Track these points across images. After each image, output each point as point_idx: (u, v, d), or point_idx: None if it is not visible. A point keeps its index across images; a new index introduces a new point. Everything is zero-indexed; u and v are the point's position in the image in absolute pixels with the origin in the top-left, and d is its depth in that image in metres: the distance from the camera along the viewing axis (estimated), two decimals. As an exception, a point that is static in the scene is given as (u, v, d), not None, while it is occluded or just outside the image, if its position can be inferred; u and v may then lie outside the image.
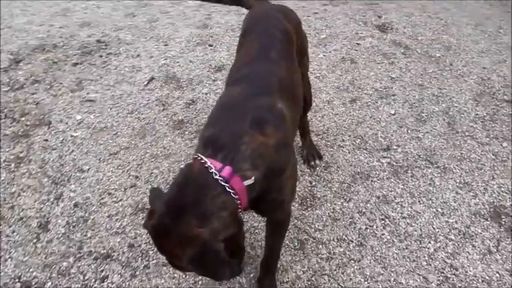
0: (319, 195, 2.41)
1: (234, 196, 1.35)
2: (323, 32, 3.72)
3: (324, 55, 3.45)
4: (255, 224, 2.23)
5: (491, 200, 2.39)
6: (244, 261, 2.08)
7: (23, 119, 2.87)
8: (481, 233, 2.24)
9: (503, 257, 2.13)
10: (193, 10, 4.09)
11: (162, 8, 4.16)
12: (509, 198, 2.40)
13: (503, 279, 2.03)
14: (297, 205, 2.35)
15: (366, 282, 2.02)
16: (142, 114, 2.90)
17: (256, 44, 1.85)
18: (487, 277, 2.04)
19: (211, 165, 1.34)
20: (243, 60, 1.83)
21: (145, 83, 3.18)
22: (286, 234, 1.96)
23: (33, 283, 1.99)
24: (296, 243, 2.18)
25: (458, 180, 2.50)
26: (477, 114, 2.92)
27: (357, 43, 3.57)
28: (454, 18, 3.86)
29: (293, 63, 1.87)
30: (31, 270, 2.04)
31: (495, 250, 2.16)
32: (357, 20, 3.87)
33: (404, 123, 2.85)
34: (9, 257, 2.09)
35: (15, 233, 2.20)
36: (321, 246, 2.17)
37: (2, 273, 2.02)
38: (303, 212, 2.32)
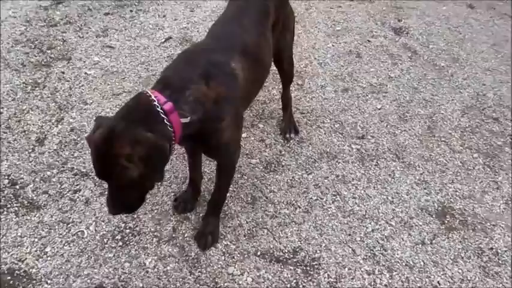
0: (283, 163, 2.64)
1: (169, 128, 1.61)
2: (339, 24, 3.89)
3: (332, 45, 3.63)
4: (205, 170, 2.49)
5: (442, 200, 2.54)
6: (198, 201, 2.35)
7: (48, 51, 3.23)
8: (421, 225, 2.40)
9: (434, 250, 2.29)
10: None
11: (200, -22, 4.44)
12: (461, 203, 2.54)
13: (426, 267, 2.20)
14: (261, 167, 2.59)
15: (298, 242, 2.24)
16: (151, 66, 3.20)
17: (234, 9, 2.11)
18: (411, 262, 2.22)
19: (155, 99, 1.60)
20: (220, 21, 2.09)
21: (163, 40, 3.48)
22: (242, 189, 2.25)
23: (19, 182, 2.35)
24: (249, 198, 2.42)
25: (417, 178, 2.66)
26: (459, 124, 3.03)
27: (368, 40, 3.73)
28: (473, 35, 3.93)
29: (264, 33, 2.09)
30: (20, 172, 2.40)
31: (429, 242, 2.33)
32: (376, 20, 4.00)
33: (386, 119, 3.02)
34: (6, 159, 2.46)
35: (16, 142, 2.56)
36: (270, 205, 2.40)
37: (-4, 169, 2.39)
38: (265, 174, 2.56)
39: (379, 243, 2.29)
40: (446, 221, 2.44)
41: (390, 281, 2.14)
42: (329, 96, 3.14)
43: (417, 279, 2.16)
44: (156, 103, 1.60)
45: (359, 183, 2.58)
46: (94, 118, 1.70)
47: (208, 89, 1.71)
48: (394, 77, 3.38)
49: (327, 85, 3.23)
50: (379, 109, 3.09)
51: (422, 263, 2.22)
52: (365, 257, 2.22)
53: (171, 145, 1.65)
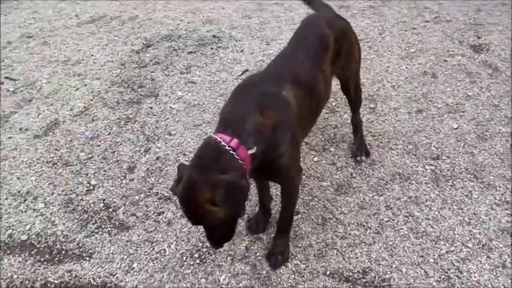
0: (355, 186, 2.67)
1: (240, 162, 1.76)
2: (414, 46, 3.87)
3: (406, 67, 3.61)
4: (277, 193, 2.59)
5: (527, 221, 2.40)
6: (269, 222, 2.46)
7: (139, 89, 3.61)
8: (501, 248, 2.29)
9: (517, 273, 2.17)
10: (302, 16, 4.53)
11: (275, 13, 4.67)
12: (548, 223, 2.38)
13: (507, 291, 2.10)
14: (332, 189, 2.65)
15: (368, 263, 2.25)
16: (229, 98, 3.44)
17: (291, 45, 2.28)
18: (490, 286, 2.12)
19: (221, 139, 1.78)
20: (277, 56, 2.26)
21: (240, 73, 3.72)
22: (313, 211, 2.40)
23: (112, 206, 2.64)
24: (320, 220, 2.49)
25: (498, 198, 2.54)
26: (547, 141, 2.85)
27: (444, 60, 3.66)
28: None
29: (319, 65, 2.21)
30: (113, 197, 2.70)
31: (510, 266, 2.21)
32: (453, 39, 3.92)
33: (464, 138, 2.93)
34: (101, 185, 2.78)
35: (110, 170, 2.89)
36: (340, 226, 2.45)
37: (93, 195, 2.71)
38: (336, 196, 2.62)
39: (454, 265, 2.22)
40: (530, 244, 2.30)
41: (466, 304, 2.06)
42: (402, 118, 3.12)
43: (496, 303, 2.06)
44: (222, 143, 1.76)
45: (433, 204, 2.53)
46: (177, 165, 1.89)
47: (264, 118, 1.85)
48: (472, 95, 3.28)
49: (400, 107, 3.22)
50: (456, 129, 3.01)
51: (502, 287, 2.12)
52: (438, 279, 2.16)
53: (245, 176, 1.79)
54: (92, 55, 4.12)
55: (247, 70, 3.75)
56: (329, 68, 2.29)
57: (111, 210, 2.62)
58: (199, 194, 1.67)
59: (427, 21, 4.24)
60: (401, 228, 2.42)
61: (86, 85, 3.70)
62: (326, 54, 2.27)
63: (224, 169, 1.71)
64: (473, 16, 4.26)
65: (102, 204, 2.65)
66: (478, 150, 2.85)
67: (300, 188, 2.28)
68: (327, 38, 2.29)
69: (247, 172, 1.83)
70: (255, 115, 1.85)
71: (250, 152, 1.81)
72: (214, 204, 1.68)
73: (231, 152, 1.75)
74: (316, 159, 2.86)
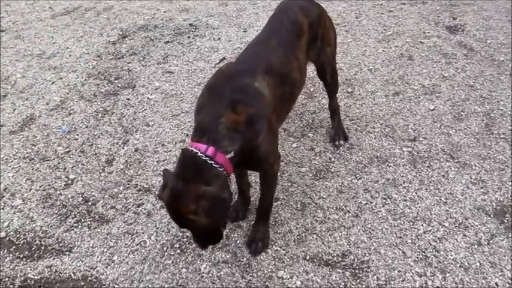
0: (333, 170, 2.69)
1: (220, 169, 1.80)
2: (390, 29, 3.88)
3: (383, 50, 3.63)
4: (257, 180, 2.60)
5: (501, 199, 2.45)
6: (249, 209, 2.47)
7: (116, 81, 3.57)
8: (477, 226, 2.33)
9: (491, 250, 2.22)
10: (279, 2, 4.50)
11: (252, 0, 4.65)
12: (523, 200, 2.43)
13: (483, 268, 2.14)
14: (310, 175, 2.67)
15: (347, 246, 2.28)
16: (207, 87, 3.42)
17: (265, 32, 2.27)
18: (466, 263, 2.17)
19: (198, 149, 1.79)
20: (250, 44, 2.25)
21: (217, 61, 3.70)
22: (292, 196, 2.45)
23: (91, 199, 2.62)
24: (299, 205, 2.50)
25: (474, 177, 2.58)
26: (521, 119, 2.90)
27: (420, 41, 3.68)
28: (538, 24, 3.73)
29: (293, 51, 2.20)
30: (92, 190, 2.68)
31: (485, 243, 2.26)
32: (429, 20, 3.94)
33: (440, 119, 2.96)
34: (80, 179, 2.76)
35: (88, 163, 2.86)
36: (319, 211, 2.47)
37: (71, 190, 2.68)
38: (315, 181, 2.63)
39: (431, 244, 2.26)
40: (505, 220, 2.35)
41: (443, 282, 2.10)
42: (379, 101, 3.14)
43: (472, 280, 2.10)
44: (199, 154, 1.78)
45: (410, 185, 2.57)
46: (161, 171, 1.99)
47: (237, 115, 1.85)
48: (448, 76, 3.31)
49: (377, 90, 3.24)
50: (432, 110, 3.04)
51: (478, 264, 2.16)
52: (416, 259, 2.20)
53: (229, 178, 1.86)
54: (67, 47, 4.05)
55: (224, 58, 3.72)
56: (304, 54, 2.29)
57: (90, 203, 2.60)
58: (183, 206, 1.74)
59: (404, 4, 4.24)
60: (380, 211, 2.45)
61: (61, 78, 3.65)
62: (300, 41, 2.26)
63: (206, 180, 1.76)
64: (448, -3, 4.29)
65: (81, 198, 2.63)
66: (454, 130, 2.88)
67: (279, 174, 2.29)
68: (301, 24, 2.29)
69: (230, 173, 1.87)
70: (228, 114, 1.84)
71: (229, 156, 1.84)
72: (197, 215, 1.74)
73: (209, 161, 1.78)
74: (294, 145, 2.86)
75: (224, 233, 2.21)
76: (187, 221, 1.78)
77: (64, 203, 2.62)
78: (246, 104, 1.87)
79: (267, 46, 2.16)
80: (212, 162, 1.78)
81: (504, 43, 3.56)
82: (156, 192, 2.28)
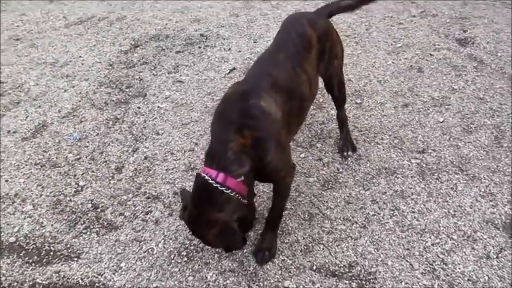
0: (341, 181, 2.69)
1: (231, 194, 1.88)
2: (400, 41, 3.89)
3: (392, 62, 3.64)
4: (264, 190, 2.61)
5: (511, 212, 2.43)
6: (256, 218, 2.48)
7: (127, 90, 3.62)
8: (486, 239, 2.32)
9: (500, 264, 2.20)
10: (289, 14, 4.54)
11: (263, 10, 4.68)
12: (532, 214, 2.41)
13: (491, 282, 2.12)
14: (318, 185, 2.67)
15: (354, 257, 2.28)
16: (217, 96, 3.45)
17: (272, 46, 2.30)
18: (474, 277, 2.15)
19: (208, 177, 1.89)
20: (258, 59, 2.30)
21: (227, 72, 3.73)
22: (300, 206, 2.48)
23: (100, 206, 2.65)
24: (306, 215, 2.51)
25: (483, 190, 2.57)
26: (531, 132, 2.88)
27: (430, 54, 3.68)
28: (549, 38, 3.73)
29: (301, 65, 2.21)
30: (101, 197, 2.70)
31: (494, 256, 2.24)
32: (439, 33, 3.94)
33: (449, 132, 2.95)
34: (90, 186, 2.79)
35: (98, 171, 2.89)
36: (326, 221, 2.47)
37: (81, 196, 2.72)
38: (322, 192, 2.63)
39: (439, 257, 2.25)
40: (515, 234, 2.33)
41: (451, 295, 2.09)
42: (388, 113, 3.15)
43: (480, 293, 2.08)
44: (210, 181, 1.87)
45: (418, 197, 2.56)
46: (179, 191, 2.13)
47: (245, 139, 1.90)
48: (457, 88, 3.31)
49: (386, 102, 3.24)
50: (441, 122, 3.04)
51: (486, 278, 2.14)
52: (424, 272, 2.19)
53: (240, 202, 1.95)
54: (80, 56, 4.12)
55: (234, 68, 3.76)
56: (314, 67, 2.30)
57: (99, 210, 2.63)
58: (198, 230, 1.97)
59: (414, 16, 4.26)
60: (387, 222, 2.44)
61: (74, 86, 3.70)
62: (309, 54, 2.28)
63: (218, 206, 1.89)
64: (459, 10, 4.29)
65: (90, 205, 2.66)
66: (463, 143, 2.87)
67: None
68: (310, 38, 2.30)
69: (245, 193, 1.97)
70: (236, 139, 1.90)
71: (239, 179, 1.92)
72: (214, 237, 1.93)
73: (220, 188, 1.87)
74: (303, 155, 2.87)
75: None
76: (205, 242, 2.04)
77: (73, 209, 2.65)
78: (252, 128, 1.92)
79: (274, 61, 2.18)
80: (223, 188, 1.87)
81: (515, 56, 3.56)
82: (178, 214, 2.39)
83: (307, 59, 2.26)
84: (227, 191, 1.88)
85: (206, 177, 1.90)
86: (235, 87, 2.09)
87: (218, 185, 1.88)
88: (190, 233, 2.04)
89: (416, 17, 4.24)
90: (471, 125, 2.99)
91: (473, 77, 3.40)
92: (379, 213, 2.49)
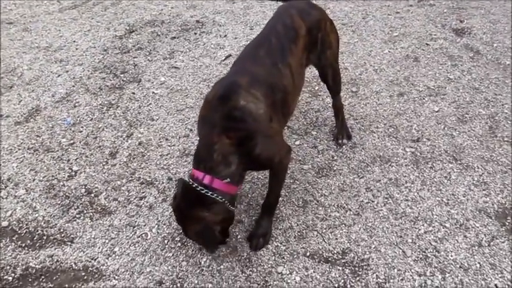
0: (335, 168, 2.69)
1: (217, 197, 1.97)
2: (397, 30, 3.87)
3: (389, 51, 3.63)
4: (259, 177, 2.61)
5: (503, 201, 2.45)
6: (251, 204, 2.48)
7: (121, 75, 3.59)
8: (478, 227, 2.33)
9: (492, 252, 2.21)
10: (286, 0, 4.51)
11: (260, -3, 4.65)
12: (524, 203, 2.42)
13: (482, 269, 2.14)
14: (313, 172, 2.67)
15: (347, 244, 2.29)
16: (212, 83, 3.42)
17: (255, 40, 2.30)
18: (466, 264, 2.17)
19: (194, 181, 1.98)
20: (240, 54, 2.32)
21: (223, 58, 3.71)
22: (294, 193, 2.49)
23: (94, 191, 2.64)
24: (300, 202, 2.51)
25: (476, 179, 2.58)
26: (525, 122, 2.89)
27: (426, 43, 3.67)
28: (545, 28, 3.72)
29: (284, 58, 2.19)
30: (95, 182, 2.69)
31: (486, 244, 2.25)
32: (436, 22, 3.93)
33: (444, 121, 2.96)
34: (83, 171, 2.77)
35: (92, 156, 2.88)
36: (320, 208, 2.47)
37: (74, 181, 2.70)
38: (317, 179, 2.64)
39: (431, 245, 2.26)
40: (507, 223, 2.34)
41: (443, 282, 2.10)
42: (384, 102, 3.14)
43: (472, 281, 2.10)
44: (195, 184, 1.97)
45: (412, 185, 2.57)
46: (177, 180, 2.18)
47: (230, 139, 1.95)
48: (453, 78, 3.30)
49: (382, 91, 3.24)
50: (437, 111, 3.04)
51: (478, 265, 2.16)
52: (416, 259, 2.20)
53: (235, 196, 2.09)
54: (74, 41, 4.08)
55: (230, 55, 3.73)
56: (300, 59, 2.29)
57: (92, 195, 2.62)
58: (183, 222, 2.06)
59: (411, 5, 4.24)
60: (381, 210, 2.45)
61: (67, 71, 3.67)
62: (295, 45, 2.25)
63: (204, 206, 1.97)
64: (456, 0, 4.27)
65: (83, 190, 2.65)
66: (457, 132, 2.88)
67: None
68: (298, 29, 2.28)
69: (234, 192, 2.05)
70: (221, 141, 1.96)
71: (226, 181, 1.99)
72: (191, 233, 2.07)
73: (205, 190, 1.96)
74: (297, 142, 2.87)
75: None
76: (185, 234, 2.13)
77: (67, 194, 2.63)
78: (235, 129, 1.96)
79: (254, 57, 2.19)
80: (210, 190, 1.95)
81: (510, 47, 3.55)
82: (170, 200, 2.45)
83: (291, 51, 2.23)
84: (213, 193, 1.96)
85: (194, 177, 1.99)
86: (214, 92, 2.08)
87: (202, 188, 1.96)
88: (176, 219, 2.12)
89: (413, 6, 4.22)
90: (466, 115, 2.99)
91: (469, 67, 3.40)
92: (373, 201, 2.49)
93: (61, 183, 2.71)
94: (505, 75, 3.29)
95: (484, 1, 4.21)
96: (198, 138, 2.12)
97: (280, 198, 2.49)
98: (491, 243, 2.26)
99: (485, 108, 3.04)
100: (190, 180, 2.01)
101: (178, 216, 2.06)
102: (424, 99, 3.14)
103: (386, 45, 3.70)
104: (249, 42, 2.24)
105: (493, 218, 2.37)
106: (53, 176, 2.75)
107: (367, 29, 3.93)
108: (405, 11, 4.15)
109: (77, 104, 3.30)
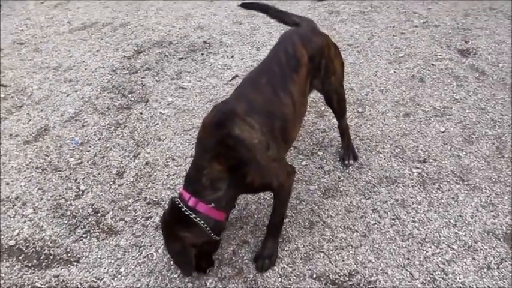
0: (342, 189, 2.69)
1: (200, 221, 1.99)
2: (402, 51, 3.90)
3: (394, 71, 3.65)
4: (265, 197, 2.61)
5: (512, 223, 2.43)
6: (257, 225, 2.48)
7: (129, 95, 3.63)
8: (486, 250, 2.31)
9: (501, 275, 2.19)
10: (292, 22, 4.57)
11: (266, 19, 4.64)
12: (533, 225, 2.40)
13: (492, 292, 2.11)
14: (319, 193, 2.67)
15: (354, 265, 2.27)
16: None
17: (259, 67, 2.32)
18: (474, 287, 2.14)
19: (180, 201, 2.01)
20: (243, 80, 2.33)
21: (230, 79, 3.74)
22: (300, 214, 2.52)
23: (101, 211, 2.65)
24: (307, 223, 2.50)
25: (484, 200, 2.56)
26: (533, 143, 2.89)
27: (432, 64, 3.69)
28: (551, 49, 3.74)
29: (285, 87, 2.19)
30: (102, 202, 2.71)
31: (495, 267, 2.23)
32: (441, 43, 3.96)
33: (450, 141, 2.95)
34: (90, 191, 2.79)
35: (99, 175, 2.90)
36: (327, 229, 2.46)
37: (82, 200, 2.72)
38: (323, 200, 2.63)
39: (439, 267, 2.24)
40: (516, 245, 2.32)
41: (451, 305, 2.08)
42: (390, 122, 3.15)
43: (481, 304, 2.07)
44: (181, 204, 2.00)
45: (419, 207, 2.55)
46: (170, 198, 2.16)
47: (221, 166, 1.97)
48: (459, 99, 3.31)
49: (388, 111, 3.25)
50: (443, 132, 3.04)
51: (487, 288, 2.14)
52: (424, 281, 2.18)
53: (222, 222, 2.11)
54: (83, 61, 4.14)
55: (237, 75, 3.77)
56: (302, 86, 2.29)
57: (99, 215, 2.63)
58: (166, 238, 2.09)
59: (416, 26, 4.28)
60: (388, 231, 2.43)
61: (76, 91, 3.72)
62: (297, 74, 2.25)
63: (188, 228, 2.01)
64: (461, 21, 4.31)
65: (90, 209, 2.66)
66: (464, 153, 2.87)
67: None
68: (300, 58, 2.28)
69: (220, 218, 2.07)
70: (211, 166, 1.98)
71: (211, 205, 2.01)
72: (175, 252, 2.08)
73: (189, 212, 1.99)
74: (304, 163, 2.87)
75: (228, 235, 2.24)
76: (167, 251, 2.13)
77: (74, 213, 2.65)
78: (227, 156, 1.97)
79: (255, 84, 2.20)
80: (192, 212, 1.99)
81: (516, 67, 3.57)
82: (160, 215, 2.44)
83: (293, 80, 2.24)
84: (197, 216, 1.98)
85: (180, 200, 2.02)
86: (212, 115, 2.09)
87: (187, 209, 1.99)
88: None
89: (418, 27, 4.26)
90: (472, 135, 2.99)
91: (475, 87, 3.41)
92: (379, 222, 2.48)
93: (68, 202, 2.72)
94: (511, 95, 3.30)
95: (489, 22, 4.24)
96: (193, 158, 2.14)
97: (286, 219, 2.49)
98: (500, 265, 2.23)
99: (492, 128, 3.03)
100: (178, 199, 2.04)
101: (163, 232, 2.10)
102: (430, 119, 3.15)
103: (392, 66, 3.72)
104: (255, 63, 2.28)
105: (501, 240, 2.35)
106: (60, 195, 2.77)
107: (372, 50, 3.97)
108: (410, 32, 4.18)
109: (85, 124, 3.34)
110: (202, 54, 4.14)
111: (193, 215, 1.99)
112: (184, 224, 2.00)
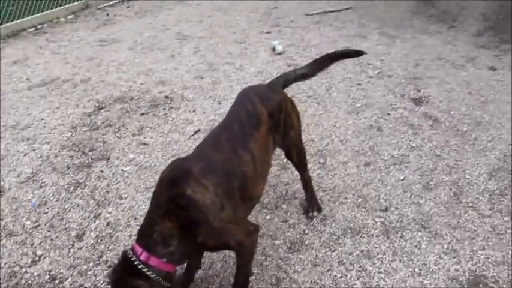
0: (307, 242, 2.68)
1: (150, 274, 1.93)
2: (359, 101, 4.05)
3: (353, 121, 3.76)
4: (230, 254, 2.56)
5: (474, 269, 2.47)
6: (223, 285, 2.42)
7: (90, 153, 3.57)
8: (452, 297, 2.33)
9: (467, 322, 2.20)
10: (252, 75, 4.68)
11: (227, 72, 4.80)
12: (494, 269, 2.45)
13: None
14: (285, 247, 2.65)
15: (323, 322, 2.23)
16: (181, 158, 3.44)
17: (218, 126, 2.34)
18: (443, 337, 2.14)
19: (133, 254, 1.95)
20: (205, 138, 2.36)
21: (192, 133, 3.76)
22: (267, 270, 2.47)
23: (58, 277, 2.53)
24: (273, 280, 2.47)
25: (445, 246, 2.61)
26: (487, 187, 3.00)
27: (388, 113, 3.84)
28: (495, 96, 3.96)
29: (245, 144, 2.21)
30: (60, 267, 2.59)
31: (461, 315, 2.24)
32: (395, 93, 4.14)
33: (410, 189, 3.03)
34: (48, 256, 2.67)
35: (57, 239, 2.79)
36: (294, 285, 2.43)
37: (38, 267, 2.59)
38: (289, 254, 2.61)
39: (407, 318, 2.24)
40: (479, 291, 2.35)
41: None
42: (351, 172, 3.21)
43: None
44: (133, 258, 1.94)
45: (384, 257, 2.57)
46: (122, 251, 2.03)
47: (172, 223, 1.95)
48: (415, 146, 3.43)
49: (349, 161, 3.32)
50: (402, 180, 3.12)
51: (454, 338, 2.14)
52: (393, 335, 2.16)
53: (172, 274, 2.02)
54: (42, 119, 4.07)
55: (199, 130, 3.79)
56: (263, 144, 2.31)
57: (57, 282, 2.50)
58: None
59: (371, 77, 4.47)
60: (355, 284, 2.42)
61: (34, 150, 3.63)
62: (257, 132, 2.28)
63: (138, 278, 1.93)
64: (412, 71, 4.54)
65: (47, 276, 2.54)
66: (424, 200, 2.95)
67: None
68: (260, 115, 2.32)
69: (171, 270, 2.01)
70: (162, 223, 1.95)
71: (162, 260, 1.97)
72: None
73: (140, 265, 1.93)
74: (268, 217, 2.87)
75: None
76: None
77: (29, 281, 2.51)
78: (178, 215, 1.95)
79: (215, 143, 2.22)
80: (144, 265, 1.93)
81: (466, 114, 3.75)
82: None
83: (254, 137, 2.26)
84: (149, 269, 1.93)
85: (131, 254, 1.97)
86: (169, 172, 2.08)
87: (139, 263, 1.94)
88: None
89: (373, 77, 4.45)
90: (430, 182, 3.08)
91: (430, 134, 3.55)
92: (346, 275, 2.47)
93: (23, 269, 2.59)
94: (463, 141, 3.45)
95: (438, 71, 4.48)
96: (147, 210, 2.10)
97: (253, 277, 2.45)
98: (466, 313, 2.25)
99: (448, 174, 3.14)
100: (131, 252, 1.99)
101: (113, 284, 2.00)
102: (389, 168, 3.23)
103: (350, 116, 3.84)
104: (217, 117, 2.29)
105: (465, 286, 2.38)
106: (15, 262, 2.64)
107: (331, 101, 4.09)
108: (366, 83, 4.36)
109: (43, 184, 3.24)
110: (164, 109, 4.16)
111: (146, 269, 1.94)
112: (136, 276, 1.94)
